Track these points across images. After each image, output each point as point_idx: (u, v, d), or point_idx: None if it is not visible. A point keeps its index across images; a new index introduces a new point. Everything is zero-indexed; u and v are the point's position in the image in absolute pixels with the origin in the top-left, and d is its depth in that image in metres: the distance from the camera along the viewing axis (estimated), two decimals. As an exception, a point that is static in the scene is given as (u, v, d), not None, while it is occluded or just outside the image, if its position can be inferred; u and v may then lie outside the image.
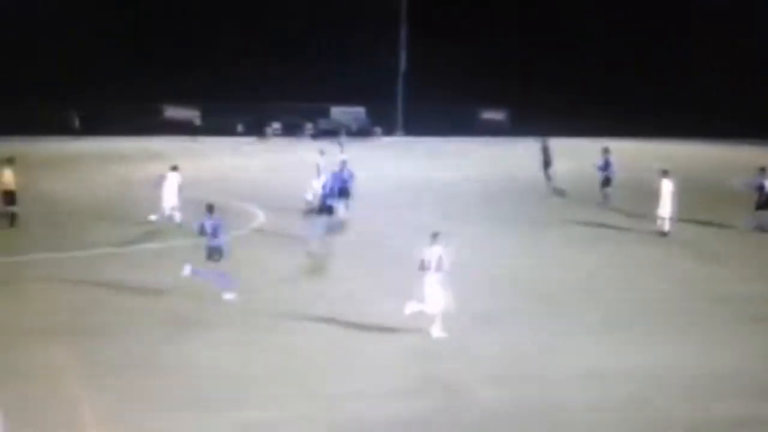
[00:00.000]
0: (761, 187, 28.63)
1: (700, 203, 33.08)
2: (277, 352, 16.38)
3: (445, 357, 16.23)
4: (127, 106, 62.91)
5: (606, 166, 33.38)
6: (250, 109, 66.21)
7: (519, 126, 68.30)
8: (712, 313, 19.40)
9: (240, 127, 67.02)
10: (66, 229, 27.71)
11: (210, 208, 20.13)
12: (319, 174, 29.73)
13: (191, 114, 67.46)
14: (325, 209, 26.50)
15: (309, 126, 67.28)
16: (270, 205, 31.89)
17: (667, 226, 27.67)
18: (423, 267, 17.09)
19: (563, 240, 27.54)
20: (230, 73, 63.56)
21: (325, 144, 42.07)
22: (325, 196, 26.65)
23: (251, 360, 15.99)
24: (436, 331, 17.14)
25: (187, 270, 19.62)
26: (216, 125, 65.55)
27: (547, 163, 38.28)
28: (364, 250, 25.13)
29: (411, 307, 17.31)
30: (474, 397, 14.37)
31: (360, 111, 68.71)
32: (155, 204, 28.38)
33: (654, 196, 28.15)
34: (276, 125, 67.16)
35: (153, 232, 27.05)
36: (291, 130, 66.73)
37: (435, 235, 17.28)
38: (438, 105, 67.25)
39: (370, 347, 16.76)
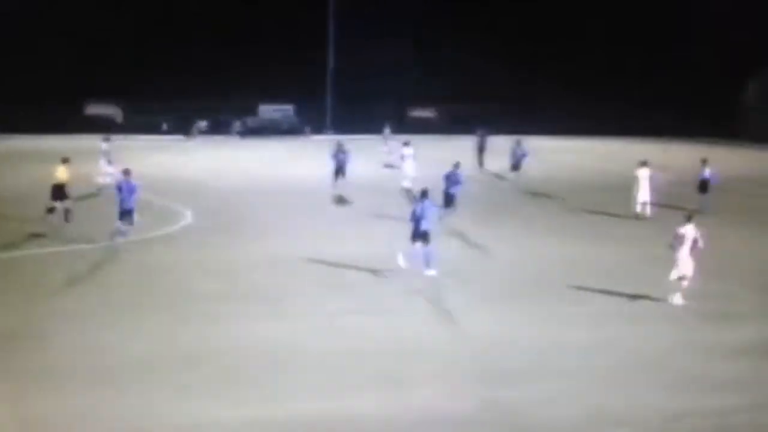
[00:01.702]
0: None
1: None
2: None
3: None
4: (45, 102, 60.28)
5: (515, 153, 39.04)
6: (175, 106, 64.41)
7: (448, 124, 68.61)
8: None
9: (165, 126, 65.17)
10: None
11: (424, 194, 20.96)
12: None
13: (112, 111, 65.21)
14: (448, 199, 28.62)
15: (237, 124, 66.04)
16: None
17: (648, 211, 29.54)
18: (678, 242, 18.35)
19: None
20: (154, 70, 61.60)
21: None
22: (447, 187, 28.83)
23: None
24: (677, 299, 18.47)
25: (401, 260, 20.22)
26: (139, 123, 63.60)
27: (481, 150, 45.19)
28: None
29: (676, 297, 18.42)
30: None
31: (289, 109, 67.80)
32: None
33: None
34: (203, 123, 65.66)
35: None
36: (218, 128, 65.39)
37: (689, 217, 18.72)
38: (367, 103, 66.76)
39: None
